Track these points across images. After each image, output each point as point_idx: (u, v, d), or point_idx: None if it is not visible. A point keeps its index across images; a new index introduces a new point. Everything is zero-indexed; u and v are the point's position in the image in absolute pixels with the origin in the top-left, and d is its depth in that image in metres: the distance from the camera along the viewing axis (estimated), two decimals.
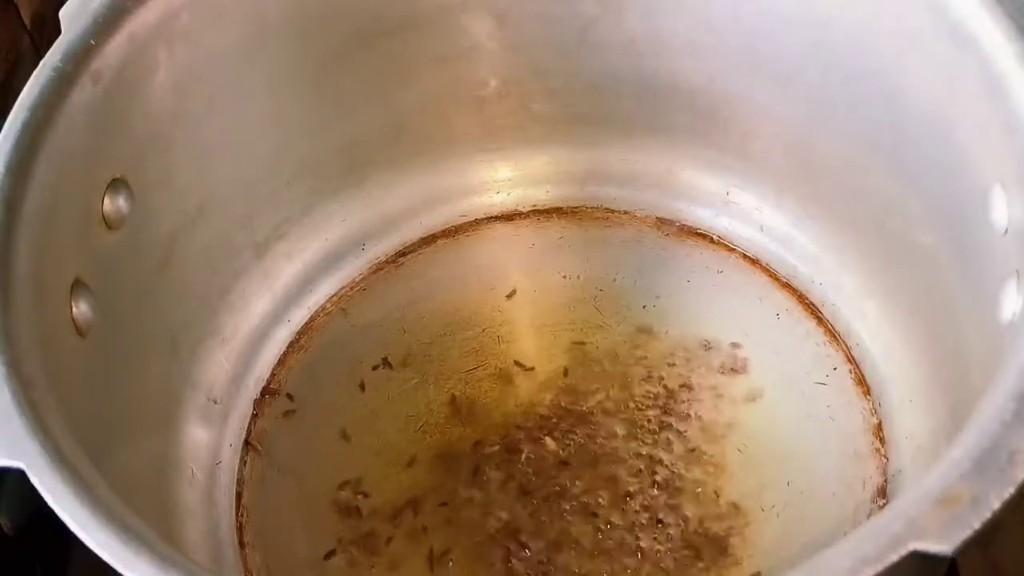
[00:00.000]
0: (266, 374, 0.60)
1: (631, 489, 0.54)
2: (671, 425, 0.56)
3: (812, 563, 0.33)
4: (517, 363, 0.59)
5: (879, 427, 0.54)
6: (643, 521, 0.53)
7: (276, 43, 0.56)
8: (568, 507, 0.53)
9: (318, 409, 0.58)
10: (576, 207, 0.64)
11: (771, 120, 0.58)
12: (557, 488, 0.54)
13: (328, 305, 0.62)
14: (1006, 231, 0.43)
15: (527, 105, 0.63)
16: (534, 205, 0.65)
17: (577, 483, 0.54)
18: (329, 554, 0.53)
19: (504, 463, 0.55)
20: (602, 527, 0.53)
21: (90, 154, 0.47)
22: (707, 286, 0.60)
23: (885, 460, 0.53)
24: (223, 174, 0.56)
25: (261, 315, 0.60)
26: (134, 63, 0.49)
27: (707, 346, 0.58)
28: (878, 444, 0.54)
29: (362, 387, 0.59)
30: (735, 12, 0.55)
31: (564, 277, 0.62)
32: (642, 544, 0.52)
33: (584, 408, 0.56)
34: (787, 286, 0.60)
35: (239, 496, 0.56)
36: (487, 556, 0.53)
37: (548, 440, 0.56)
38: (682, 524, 0.52)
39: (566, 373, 0.58)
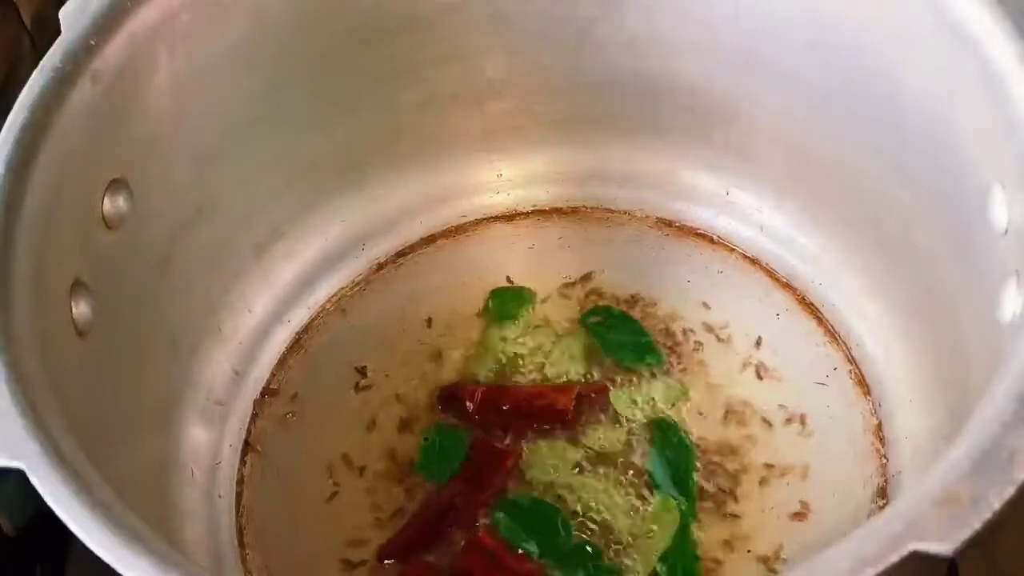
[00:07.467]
0: (266, 374, 0.60)
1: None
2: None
3: (812, 563, 0.33)
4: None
5: (879, 427, 0.54)
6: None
7: (276, 43, 0.55)
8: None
9: (318, 409, 0.58)
10: (576, 207, 0.64)
11: (771, 120, 0.58)
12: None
13: (328, 305, 0.62)
14: (1006, 231, 0.43)
15: (527, 105, 0.63)
16: (534, 205, 0.65)
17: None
18: (329, 554, 0.53)
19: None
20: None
21: (90, 154, 0.47)
22: (707, 286, 0.60)
23: (885, 460, 0.53)
24: (223, 174, 0.56)
25: (261, 315, 0.60)
26: (134, 63, 0.49)
27: (707, 347, 0.58)
28: (878, 444, 0.54)
29: (362, 387, 0.59)
30: (735, 12, 0.55)
31: (564, 277, 0.62)
32: None
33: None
34: (787, 286, 0.60)
35: (239, 496, 0.56)
36: None
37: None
38: None
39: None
